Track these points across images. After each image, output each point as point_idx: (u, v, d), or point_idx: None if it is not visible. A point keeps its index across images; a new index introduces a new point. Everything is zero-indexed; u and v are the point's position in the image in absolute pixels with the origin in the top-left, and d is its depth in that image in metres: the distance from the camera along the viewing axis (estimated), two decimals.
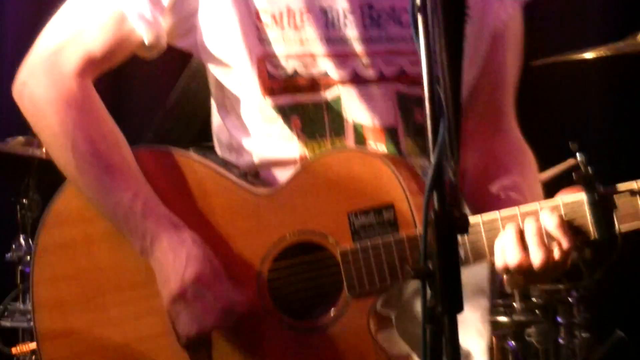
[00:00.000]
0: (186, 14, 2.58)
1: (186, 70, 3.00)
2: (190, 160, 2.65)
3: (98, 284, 2.62)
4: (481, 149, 2.70)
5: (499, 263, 2.33)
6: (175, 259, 2.45)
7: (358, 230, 2.44)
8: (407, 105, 2.59)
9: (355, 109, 2.58)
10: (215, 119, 2.81)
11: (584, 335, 4.80)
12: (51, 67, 2.58)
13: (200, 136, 2.94)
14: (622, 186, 2.32)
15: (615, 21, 6.00)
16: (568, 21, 6.18)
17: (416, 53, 1.79)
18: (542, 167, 3.68)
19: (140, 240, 2.52)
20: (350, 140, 2.59)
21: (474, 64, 2.64)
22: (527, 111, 2.92)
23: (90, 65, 2.59)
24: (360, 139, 2.59)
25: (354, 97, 2.57)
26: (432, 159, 1.74)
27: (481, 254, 2.35)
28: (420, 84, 1.78)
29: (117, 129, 2.63)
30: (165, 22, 2.59)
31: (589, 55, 4.86)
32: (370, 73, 2.58)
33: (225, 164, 2.69)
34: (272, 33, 2.55)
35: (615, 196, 2.30)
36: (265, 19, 2.55)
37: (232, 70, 2.61)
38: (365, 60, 2.58)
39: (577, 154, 2.29)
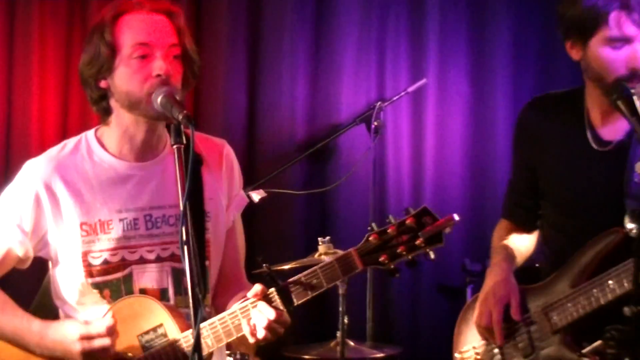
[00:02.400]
0: (40, 235, 3.62)
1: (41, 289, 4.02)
2: None
3: None
4: (226, 292, 3.80)
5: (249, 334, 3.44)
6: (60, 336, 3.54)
7: (144, 345, 3.51)
8: (178, 275, 3.63)
9: (142, 279, 3.63)
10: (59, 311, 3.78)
11: None
12: None
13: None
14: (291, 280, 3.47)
15: None
16: None
17: None
18: None
19: (33, 342, 3.58)
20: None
21: (219, 245, 3.78)
22: None
23: None
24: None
25: (141, 273, 3.63)
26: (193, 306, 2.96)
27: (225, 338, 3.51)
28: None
29: (11, 302, 3.65)
30: (29, 242, 3.62)
31: None
32: (151, 257, 3.63)
33: None
34: (90, 237, 3.60)
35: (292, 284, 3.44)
36: (85, 228, 3.59)
37: (63, 264, 3.64)
38: (148, 249, 3.63)
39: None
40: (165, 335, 3.47)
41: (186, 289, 3.35)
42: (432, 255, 3.34)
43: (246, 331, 3.38)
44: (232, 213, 3.78)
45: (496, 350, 4.05)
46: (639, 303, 3.31)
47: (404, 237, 3.34)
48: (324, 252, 5.60)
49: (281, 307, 3.37)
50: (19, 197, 3.59)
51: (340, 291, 5.65)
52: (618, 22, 3.76)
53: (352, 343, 5.89)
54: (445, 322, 5.96)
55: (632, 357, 3.37)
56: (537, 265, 4.22)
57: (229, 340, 3.43)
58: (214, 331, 3.43)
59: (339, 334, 5.61)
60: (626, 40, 3.75)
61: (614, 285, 3.70)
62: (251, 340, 3.38)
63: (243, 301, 3.42)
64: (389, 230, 3.36)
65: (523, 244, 4.28)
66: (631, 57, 3.75)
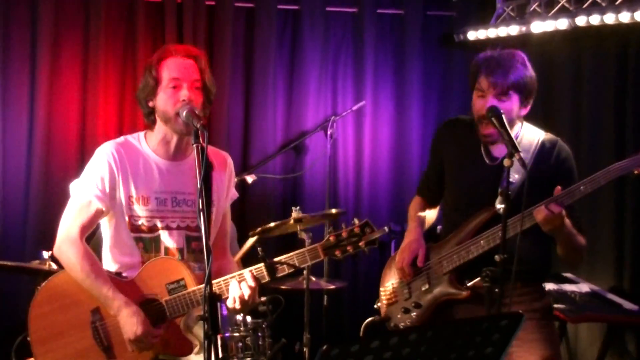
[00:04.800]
0: (112, 193, 3.64)
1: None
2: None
3: (60, 331, 3.59)
4: (218, 259, 3.75)
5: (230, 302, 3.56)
6: (130, 320, 3.50)
7: (170, 291, 3.55)
8: (190, 240, 3.70)
9: (166, 241, 3.68)
10: (104, 252, 3.79)
11: None
12: (69, 239, 3.63)
13: None
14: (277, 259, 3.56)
15: None
16: None
17: (195, 217, 3.61)
18: None
19: (112, 310, 3.54)
20: (162, 254, 3.68)
21: (217, 223, 3.81)
22: None
23: (83, 232, 3.66)
24: (166, 253, 3.68)
25: (166, 236, 3.68)
26: (207, 265, 2.97)
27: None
28: (197, 231, 3.56)
29: (97, 260, 3.67)
30: (107, 199, 3.64)
31: None
32: (174, 225, 3.68)
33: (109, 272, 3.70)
34: (135, 204, 3.65)
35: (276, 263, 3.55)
36: (132, 199, 3.65)
37: (115, 219, 3.69)
38: (172, 220, 3.68)
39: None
40: (185, 286, 3.52)
41: (194, 249, 3.69)
42: (367, 252, 3.57)
43: (230, 295, 3.51)
44: (227, 202, 3.85)
45: (406, 285, 4.11)
46: (505, 252, 3.45)
47: (352, 240, 3.52)
48: (295, 216, 5.56)
49: (267, 278, 3.50)
50: (96, 168, 3.62)
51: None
52: (481, 80, 3.85)
53: (313, 278, 5.86)
54: (376, 266, 6.19)
55: (500, 288, 3.44)
56: (438, 229, 4.30)
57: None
58: (216, 285, 3.51)
59: (305, 272, 5.58)
60: (482, 95, 3.85)
61: (484, 243, 3.81)
62: (229, 303, 3.54)
63: (233, 276, 3.53)
64: (342, 234, 3.52)
65: (429, 214, 4.32)
66: (482, 106, 3.82)
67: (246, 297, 3.47)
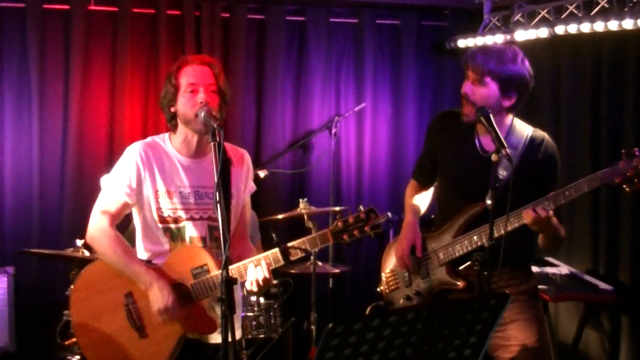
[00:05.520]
0: (139, 189, 3.62)
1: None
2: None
3: (98, 313, 3.61)
4: (238, 245, 3.73)
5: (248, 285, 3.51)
6: (160, 293, 3.50)
7: (195, 275, 3.53)
8: (212, 229, 3.65)
9: (190, 230, 3.64)
10: (137, 242, 3.75)
11: None
12: (100, 228, 3.65)
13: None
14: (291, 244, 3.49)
15: None
16: None
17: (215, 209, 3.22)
18: None
19: (143, 284, 3.54)
20: (187, 242, 3.63)
21: (237, 214, 3.75)
22: None
23: (113, 221, 3.67)
24: (191, 241, 3.64)
25: (190, 226, 3.63)
26: (224, 252, 3.03)
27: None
28: (217, 221, 3.13)
29: (128, 244, 3.68)
30: (133, 194, 3.63)
31: None
32: (197, 216, 3.64)
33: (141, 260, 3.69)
34: (162, 197, 3.62)
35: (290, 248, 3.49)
36: (159, 193, 3.62)
37: (144, 211, 3.65)
38: (195, 212, 3.64)
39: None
40: (208, 271, 3.49)
41: (216, 237, 3.62)
42: (372, 236, 3.48)
43: (248, 279, 3.48)
44: (246, 195, 3.79)
45: (406, 273, 4.04)
46: (492, 240, 3.42)
47: (358, 225, 3.46)
48: (302, 207, 5.65)
49: (282, 262, 3.47)
50: (125, 165, 3.61)
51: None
52: (465, 67, 3.78)
53: (320, 263, 5.85)
54: (375, 252, 6.24)
55: (488, 271, 3.41)
56: (432, 216, 4.14)
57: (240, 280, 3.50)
58: (236, 269, 3.47)
59: (312, 257, 5.57)
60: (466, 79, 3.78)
61: (477, 239, 3.75)
62: (247, 286, 3.50)
63: (251, 261, 3.50)
64: (349, 220, 3.46)
65: (424, 199, 4.20)
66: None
67: (261, 281, 3.44)
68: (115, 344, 3.58)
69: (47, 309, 6.01)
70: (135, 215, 3.71)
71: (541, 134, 3.90)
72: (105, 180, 3.70)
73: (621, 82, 5.84)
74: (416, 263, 4.00)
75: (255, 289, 3.49)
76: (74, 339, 4.90)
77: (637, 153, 3.56)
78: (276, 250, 3.50)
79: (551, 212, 3.62)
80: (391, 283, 4.13)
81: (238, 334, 3.89)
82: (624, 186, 3.58)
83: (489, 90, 3.74)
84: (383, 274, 4.20)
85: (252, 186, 3.84)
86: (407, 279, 4.05)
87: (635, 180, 3.55)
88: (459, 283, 3.87)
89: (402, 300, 4.07)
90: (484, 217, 3.67)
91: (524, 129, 3.89)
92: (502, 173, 3.74)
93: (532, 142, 3.85)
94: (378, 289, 4.23)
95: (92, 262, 3.73)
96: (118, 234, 3.66)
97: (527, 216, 3.62)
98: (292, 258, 3.50)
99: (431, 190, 4.24)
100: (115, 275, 3.61)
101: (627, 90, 5.78)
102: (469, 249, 3.80)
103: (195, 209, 3.64)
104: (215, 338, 3.53)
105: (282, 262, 3.49)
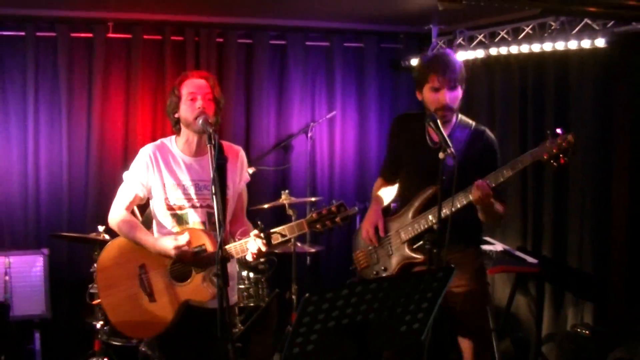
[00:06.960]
0: (149, 184, 3.62)
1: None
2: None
3: (117, 280, 3.65)
4: (238, 223, 3.74)
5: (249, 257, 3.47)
6: (166, 241, 3.50)
7: (195, 252, 3.48)
8: (210, 215, 3.60)
9: (193, 216, 3.62)
10: (154, 226, 3.71)
11: None
12: (118, 213, 3.68)
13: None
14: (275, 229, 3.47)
15: None
16: None
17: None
18: None
19: (151, 246, 3.54)
20: (190, 226, 3.60)
21: (234, 201, 3.72)
22: None
23: (128, 207, 3.68)
24: (193, 225, 3.61)
25: (192, 212, 3.62)
26: (219, 234, 3.01)
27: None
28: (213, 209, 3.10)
29: (136, 221, 3.68)
30: (145, 189, 3.64)
31: None
32: (198, 204, 3.61)
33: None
34: (169, 189, 3.61)
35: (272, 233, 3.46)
36: (166, 186, 3.61)
37: (156, 200, 3.65)
38: (196, 200, 3.61)
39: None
40: (206, 250, 3.49)
41: (214, 222, 3.45)
42: (342, 226, 3.46)
43: (249, 250, 3.43)
44: (242, 185, 3.76)
45: (374, 252, 3.97)
46: (440, 223, 3.41)
47: (330, 216, 3.44)
48: (284, 198, 5.60)
49: (265, 246, 3.42)
50: (138, 164, 3.62)
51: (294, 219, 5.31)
52: (433, 79, 3.71)
53: (299, 244, 5.81)
54: (345, 235, 6.21)
55: (438, 249, 3.39)
56: (392, 205, 4.06)
57: (241, 255, 3.47)
58: (234, 248, 3.45)
59: (292, 239, 5.46)
60: (437, 89, 3.70)
61: (432, 217, 3.70)
62: (248, 258, 3.47)
63: (247, 237, 3.46)
64: (323, 212, 3.44)
65: (388, 193, 4.10)
66: (440, 98, 3.70)
67: (257, 251, 3.43)
68: (130, 306, 3.62)
69: (75, 283, 6.02)
70: (151, 204, 3.71)
71: (482, 127, 3.87)
72: (125, 175, 3.71)
73: (542, 91, 5.89)
74: (381, 242, 3.93)
75: (254, 258, 3.48)
76: (98, 300, 4.90)
77: (559, 132, 3.49)
78: (261, 235, 3.48)
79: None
80: (362, 261, 4.06)
81: (235, 299, 3.96)
82: (552, 161, 3.48)
83: (459, 93, 3.74)
84: (354, 254, 4.13)
85: (246, 177, 3.80)
86: (375, 257, 3.98)
87: (561, 155, 3.47)
88: (419, 257, 3.78)
89: (372, 276, 3.99)
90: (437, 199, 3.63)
91: (468, 123, 3.87)
92: (451, 162, 3.61)
93: (475, 134, 3.82)
94: (351, 268, 4.16)
95: (114, 239, 3.74)
96: (131, 216, 3.70)
97: (474, 194, 3.55)
98: (274, 242, 3.48)
99: (395, 186, 4.12)
100: (131, 250, 3.63)
101: (547, 97, 5.84)
102: (426, 226, 3.74)
103: (196, 198, 3.62)
104: (213, 304, 3.48)
105: (265, 246, 3.45)
